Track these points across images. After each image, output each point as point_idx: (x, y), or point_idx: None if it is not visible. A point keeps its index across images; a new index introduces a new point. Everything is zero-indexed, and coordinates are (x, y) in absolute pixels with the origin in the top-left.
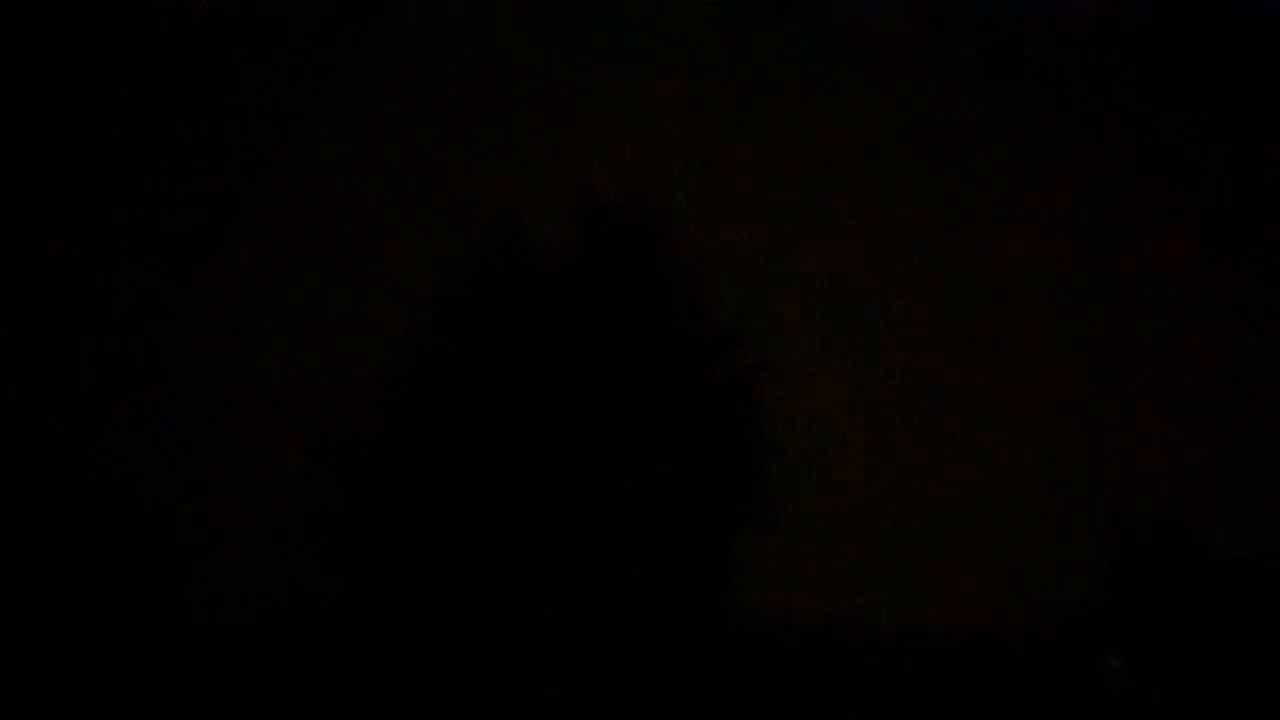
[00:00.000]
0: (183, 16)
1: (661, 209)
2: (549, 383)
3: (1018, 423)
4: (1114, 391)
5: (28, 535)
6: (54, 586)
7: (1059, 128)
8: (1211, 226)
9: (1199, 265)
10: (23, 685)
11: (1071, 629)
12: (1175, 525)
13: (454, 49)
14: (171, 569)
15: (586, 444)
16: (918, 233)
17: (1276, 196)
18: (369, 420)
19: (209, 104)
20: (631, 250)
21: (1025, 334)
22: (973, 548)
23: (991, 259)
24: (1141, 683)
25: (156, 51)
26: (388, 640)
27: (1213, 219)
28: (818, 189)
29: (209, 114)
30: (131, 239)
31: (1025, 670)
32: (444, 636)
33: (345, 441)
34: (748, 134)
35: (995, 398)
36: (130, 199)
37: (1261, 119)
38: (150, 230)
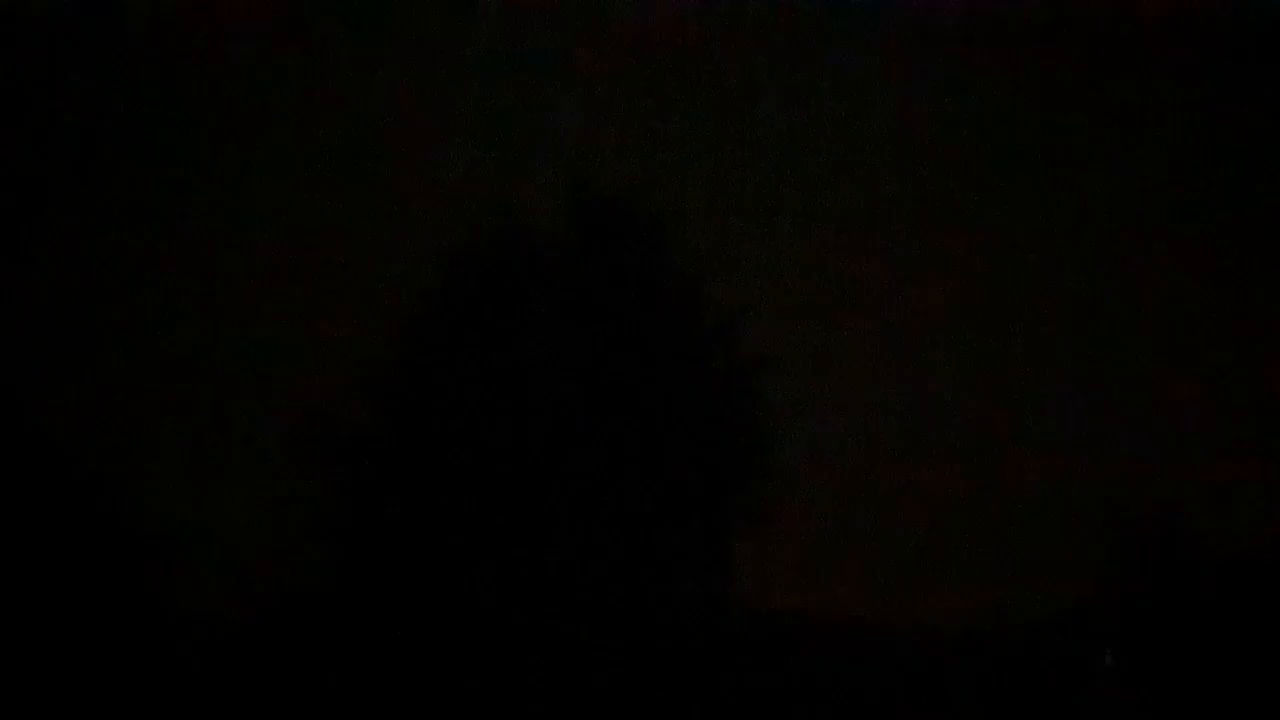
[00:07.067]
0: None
1: (659, 199)
2: (543, 374)
3: (1018, 421)
4: (1114, 390)
5: (19, 526)
6: (45, 577)
7: (1065, 129)
8: (1212, 224)
9: (1201, 263)
10: (16, 676)
11: (1070, 627)
12: (1174, 524)
13: (452, 37)
14: (161, 559)
15: (581, 436)
16: (921, 229)
17: (1277, 194)
18: (361, 411)
19: (204, 95)
20: (628, 241)
21: (1027, 333)
22: (972, 545)
23: (995, 257)
24: (1138, 681)
25: (151, 45)
26: (379, 631)
27: (1214, 217)
28: (817, 181)
29: (202, 105)
30: (124, 231)
31: (1024, 668)
32: (435, 627)
33: (337, 432)
34: (747, 124)
35: (996, 396)
36: (124, 191)
37: (1262, 119)
38: (143, 221)
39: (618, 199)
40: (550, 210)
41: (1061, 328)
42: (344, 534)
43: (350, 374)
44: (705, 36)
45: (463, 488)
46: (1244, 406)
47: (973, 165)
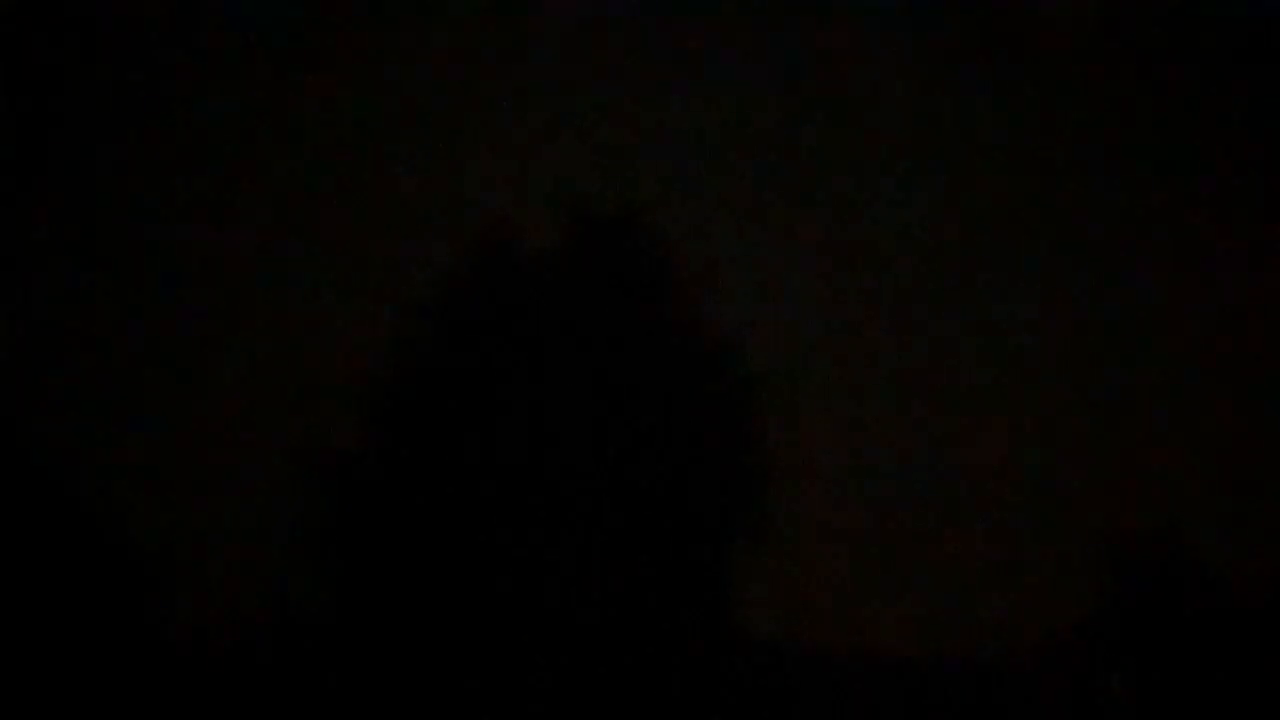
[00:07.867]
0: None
1: (656, 217)
2: (540, 394)
3: (1019, 443)
4: (1115, 411)
5: (14, 546)
6: (41, 597)
7: (1062, 132)
8: (1215, 233)
9: (1203, 276)
10: (12, 694)
11: (1073, 649)
12: (1177, 543)
13: (449, 52)
14: (158, 579)
15: (578, 458)
16: (917, 244)
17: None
18: (357, 430)
19: (198, 108)
20: (625, 259)
21: (1026, 351)
22: (974, 568)
23: (999, 275)
24: (1143, 702)
25: (148, 51)
26: (374, 651)
27: (1216, 225)
28: (815, 198)
29: (197, 118)
30: (117, 246)
31: (1028, 690)
32: (431, 648)
33: (333, 451)
34: (744, 142)
35: (996, 418)
36: (120, 204)
37: (1262, 121)
38: (137, 237)
39: (616, 216)
40: (548, 226)
41: (1066, 348)
42: (340, 552)
43: (346, 392)
44: (706, 47)
45: (460, 507)
46: (1247, 424)
47: (974, 179)
